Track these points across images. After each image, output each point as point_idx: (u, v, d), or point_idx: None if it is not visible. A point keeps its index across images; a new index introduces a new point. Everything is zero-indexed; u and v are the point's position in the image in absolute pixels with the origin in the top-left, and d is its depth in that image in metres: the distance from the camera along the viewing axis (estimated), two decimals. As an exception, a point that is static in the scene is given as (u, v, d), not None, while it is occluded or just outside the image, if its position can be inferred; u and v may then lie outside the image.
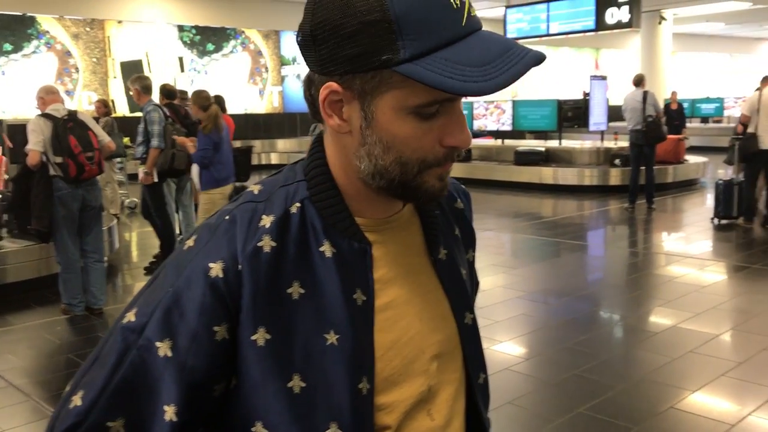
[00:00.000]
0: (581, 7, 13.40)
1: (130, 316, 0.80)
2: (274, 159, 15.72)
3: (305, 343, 0.80)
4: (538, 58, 0.73)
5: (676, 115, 13.82)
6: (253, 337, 0.79)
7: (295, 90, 17.63)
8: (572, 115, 12.54)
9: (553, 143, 12.50)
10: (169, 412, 0.77)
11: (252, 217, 0.82)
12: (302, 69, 16.13)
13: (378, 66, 0.73)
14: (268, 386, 0.79)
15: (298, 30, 0.81)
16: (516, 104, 13.21)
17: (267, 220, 0.81)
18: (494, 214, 9.22)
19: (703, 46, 25.01)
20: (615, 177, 10.89)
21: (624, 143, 11.87)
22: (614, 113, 13.43)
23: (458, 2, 0.74)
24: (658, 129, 8.64)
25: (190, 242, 0.83)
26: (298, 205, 0.83)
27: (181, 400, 0.77)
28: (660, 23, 17.12)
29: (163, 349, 0.77)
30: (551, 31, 14.06)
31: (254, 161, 14.99)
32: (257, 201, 0.84)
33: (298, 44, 0.82)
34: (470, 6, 0.76)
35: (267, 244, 0.80)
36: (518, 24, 14.45)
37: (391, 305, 0.86)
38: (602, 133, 12.29)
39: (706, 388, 3.57)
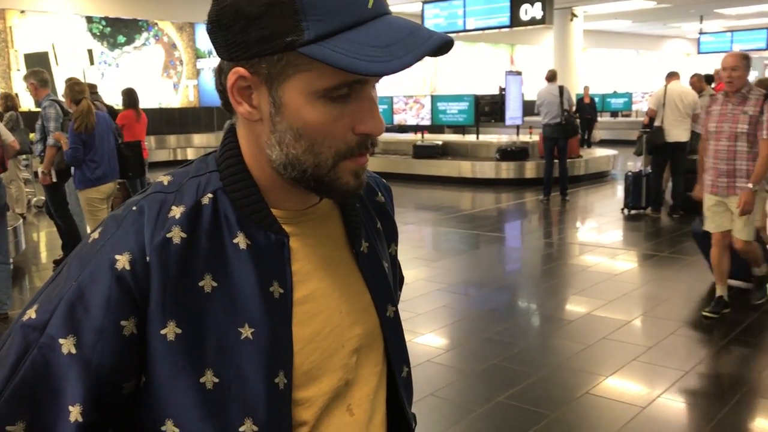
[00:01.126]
0: (496, 4, 13.65)
1: (31, 314, 0.75)
2: (191, 154, 15.34)
3: (219, 337, 0.77)
4: (444, 40, 0.72)
5: (588, 109, 14.32)
6: (163, 332, 0.75)
7: (212, 84, 17.14)
8: (489, 110, 12.79)
9: (470, 137, 12.72)
10: (74, 413, 0.73)
11: (161, 207, 0.78)
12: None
13: (283, 48, 0.72)
14: (178, 382, 0.76)
15: (207, 18, 0.79)
16: (434, 99, 13.35)
17: (177, 211, 0.78)
18: (414, 208, 9.31)
19: (611, 42, 25.99)
20: (505, 171, 11.19)
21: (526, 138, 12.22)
22: (529, 108, 13.78)
23: None
24: (574, 123, 8.92)
25: (95, 234, 0.78)
26: (210, 195, 0.80)
27: (87, 400, 0.73)
28: (571, 20, 17.67)
29: (67, 345, 0.73)
30: (468, 27, 14.26)
31: (169, 157, 14.78)
32: (166, 192, 0.80)
33: (208, 32, 0.80)
34: None
35: (177, 235, 0.77)
36: (436, 20, 14.60)
37: (309, 298, 0.84)
38: (518, 127, 12.59)
39: (619, 373, 3.71)
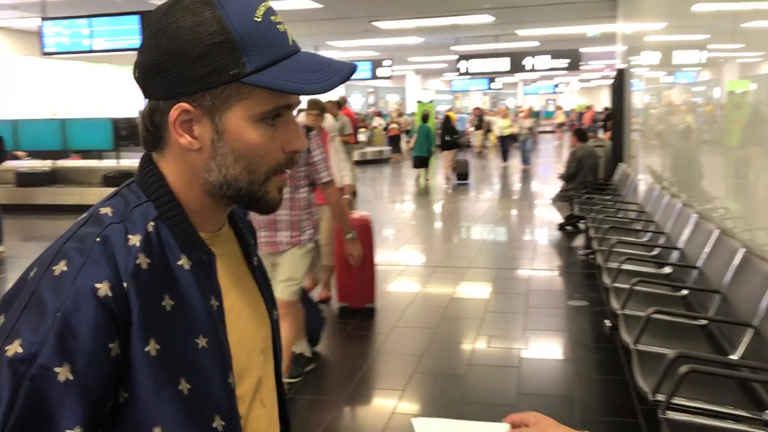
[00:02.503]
0: (125, 25, 13.29)
1: (15, 348, 0.76)
2: None
3: (183, 349, 0.87)
4: (354, 68, 0.92)
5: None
6: (147, 349, 0.82)
7: None
8: (127, 133, 12.40)
9: (110, 162, 12.17)
10: None
11: (123, 236, 0.85)
12: None
13: (227, 80, 0.85)
14: (163, 392, 0.84)
15: (135, 66, 0.89)
16: (66, 123, 12.45)
17: (135, 240, 0.86)
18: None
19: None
20: None
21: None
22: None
23: (282, 28, 0.90)
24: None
25: (61, 266, 0.81)
26: (152, 224, 0.89)
27: (86, 421, 0.78)
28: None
29: (64, 373, 0.77)
30: (95, 48, 13.60)
31: None
32: (115, 222, 0.87)
33: (137, 79, 0.89)
34: (289, 31, 0.92)
35: (143, 261, 0.85)
36: (57, 38, 13.57)
37: (231, 309, 0.97)
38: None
39: None
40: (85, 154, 13.34)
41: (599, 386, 4.08)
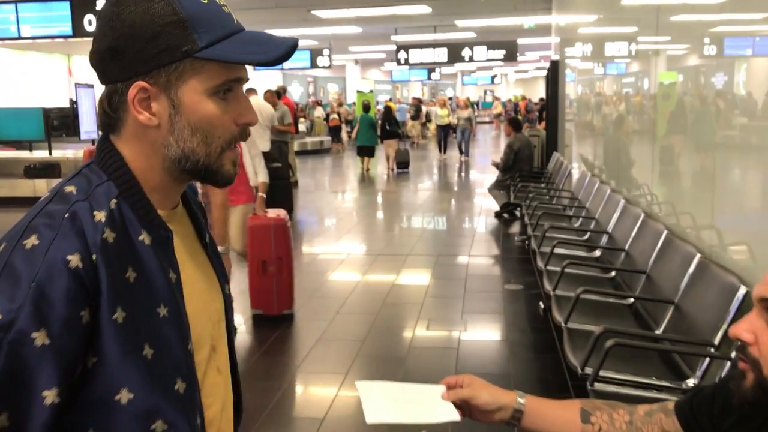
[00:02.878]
0: (56, 12, 12.89)
1: None
2: None
3: (146, 318, 0.93)
4: (296, 43, 0.99)
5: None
6: (114, 316, 0.89)
7: None
8: (59, 123, 12.07)
9: (41, 153, 11.82)
10: (50, 396, 0.83)
11: (89, 212, 0.91)
12: None
13: (181, 57, 0.92)
14: (128, 357, 0.90)
15: (91, 54, 0.95)
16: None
17: (100, 216, 0.91)
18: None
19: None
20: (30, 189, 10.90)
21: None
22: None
23: (227, 9, 0.98)
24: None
25: (32, 240, 0.87)
26: (115, 201, 0.95)
27: (62, 382, 0.84)
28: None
29: (40, 338, 0.82)
30: (23, 34, 13.15)
31: None
32: (81, 200, 0.92)
33: (94, 64, 0.96)
34: (233, 13, 0.99)
35: (109, 235, 0.91)
36: (-18, 24, 13.09)
37: (187, 282, 1.03)
38: (93, 141, 12.16)
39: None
40: (17, 144, 12.91)
41: (533, 364, 4.26)
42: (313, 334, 4.75)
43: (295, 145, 16.12)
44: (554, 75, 10.83)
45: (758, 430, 1.10)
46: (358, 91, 24.57)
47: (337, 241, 8.17)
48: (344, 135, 22.95)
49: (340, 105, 24.13)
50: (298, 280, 6.33)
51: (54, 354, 0.83)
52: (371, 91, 24.52)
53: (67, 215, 0.89)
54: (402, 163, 15.73)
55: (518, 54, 17.56)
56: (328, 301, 5.67)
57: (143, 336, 0.92)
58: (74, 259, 0.86)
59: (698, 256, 3.31)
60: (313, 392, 3.89)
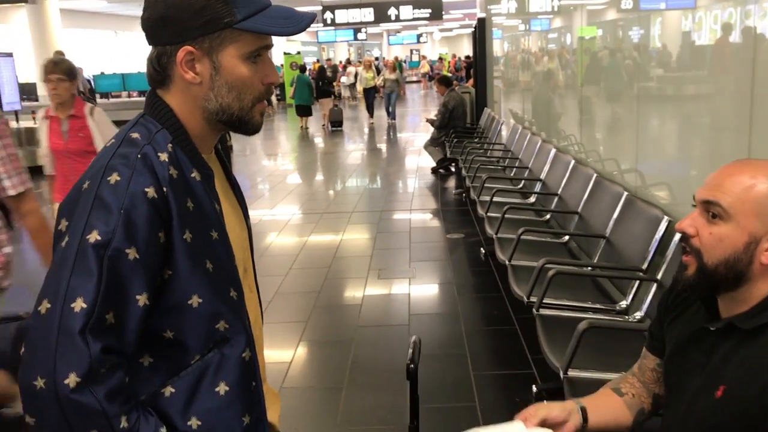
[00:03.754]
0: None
1: (95, 236, 1.02)
2: None
3: (205, 239, 1.15)
4: (314, 16, 1.22)
5: (87, 92, 14.15)
6: (184, 236, 1.10)
7: None
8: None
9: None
10: (142, 300, 1.05)
11: (155, 154, 1.11)
12: None
13: (222, 27, 1.13)
14: (196, 269, 1.12)
15: (143, 20, 1.15)
16: None
17: (164, 156, 1.12)
18: None
19: (90, 23, 25.51)
20: None
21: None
22: (29, 91, 12.97)
23: None
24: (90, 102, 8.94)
25: (114, 176, 1.06)
26: (170, 145, 1.15)
27: (149, 288, 1.06)
28: (47, -1, 16.90)
29: (132, 253, 1.04)
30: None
31: None
32: (147, 144, 1.12)
33: (147, 28, 1.15)
34: None
35: (173, 172, 1.12)
36: None
37: (225, 213, 1.25)
38: (17, 113, 11.81)
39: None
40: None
41: (480, 303, 4.60)
42: (270, 289, 4.96)
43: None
44: (481, 33, 11.13)
45: (694, 315, 1.39)
46: (285, 53, 24.35)
47: (280, 202, 8.32)
48: (273, 98, 22.77)
49: (268, 68, 23.84)
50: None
51: (143, 266, 1.05)
52: (298, 53, 24.33)
53: (139, 156, 1.10)
54: (335, 122, 16.39)
55: (443, 12, 17.78)
56: (279, 258, 5.87)
57: (205, 253, 1.14)
58: (150, 191, 1.07)
59: (626, 194, 3.68)
60: (278, 340, 4.12)
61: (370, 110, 18.17)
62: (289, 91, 18.39)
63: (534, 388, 3.30)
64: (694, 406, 1.31)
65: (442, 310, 4.55)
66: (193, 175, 1.16)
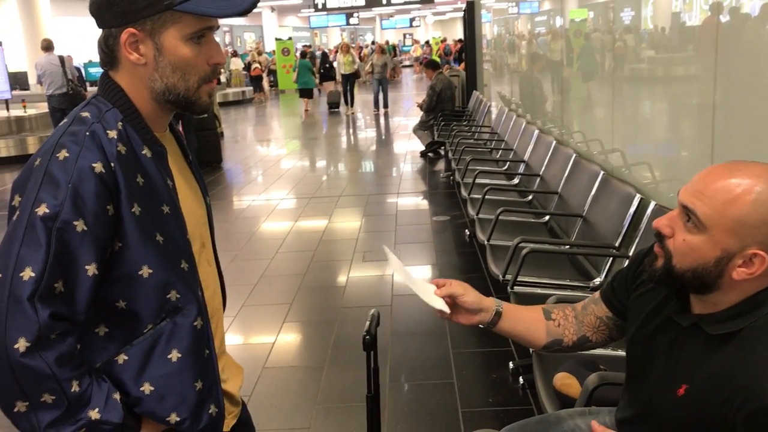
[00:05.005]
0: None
1: (43, 209, 1.07)
2: None
3: (154, 213, 1.20)
4: (257, 0, 1.25)
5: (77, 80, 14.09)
6: (133, 210, 1.15)
7: None
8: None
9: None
10: (91, 269, 1.10)
11: (104, 131, 1.16)
12: None
13: (163, 9, 1.17)
14: (146, 241, 1.17)
15: (92, 4, 1.20)
16: None
17: (112, 134, 1.17)
18: None
19: (81, 10, 25.35)
20: (33, 146, 10.73)
21: (33, 110, 11.73)
22: (20, 80, 12.93)
23: None
24: (81, 93, 8.96)
25: (63, 153, 1.11)
26: (120, 123, 1.20)
27: (98, 259, 1.11)
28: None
29: (80, 225, 1.08)
30: None
31: None
32: (96, 122, 1.17)
33: (93, 13, 1.19)
34: None
35: (122, 149, 1.16)
36: None
37: (179, 189, 1.30)
38: (7, 101, 11.79)
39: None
40: None
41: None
42: (256, 272, 5.01)
43: (218, 97, 16.03)
44: (470, 16, 11.13)
45: (664, 301, 1.37)
46: (276, 39, 24.27)
47: (270, 187, 8.36)
48: (266, 84, 22.73)
49: (260, 54, 23.81)
50: (235, 226, 6.55)
51: (90, 237, 1.10)
52: (290, 39, 24.25)
53: (87, 133, 1.14)
54: (332, 104, 16.92)
55: (435, -4, 17.74)
56: (266, 242, 5.92)
57: (155, 226, 1.19)
58: (98, 166, 1.11)
59: (602, 173, 3.73)
60: (263, 322, 4.18)
61: (348, 99, 16.37)
62: (291, 76, 19.51)
63: (510, 365, 3.38)
64: (655, 399, 1.32)
65: (425, 290, 4.60)
66: (144, 152, 1.21)
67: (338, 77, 22.82)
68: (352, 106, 16.46)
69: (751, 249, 1.17)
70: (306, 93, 16.95)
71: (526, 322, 1.59)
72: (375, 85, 16.11)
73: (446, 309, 1.49)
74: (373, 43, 26.87)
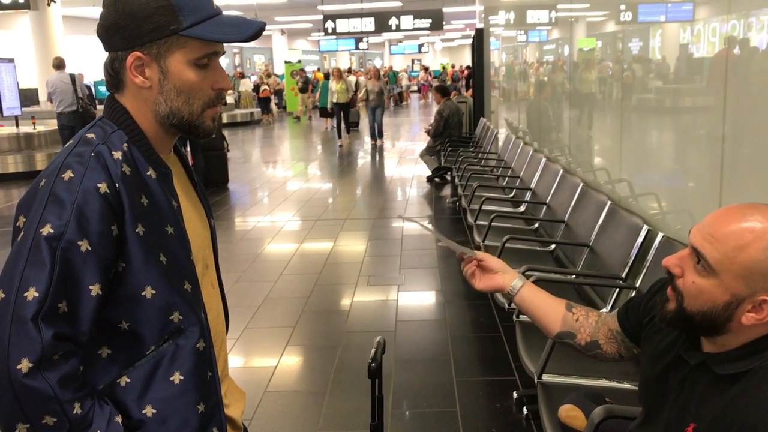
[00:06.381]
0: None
1: (48, 229, 1.07)
2: None
3: (158, 233, 1.20)
4: (263, 25, 1.26)
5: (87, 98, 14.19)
6: (137, 230, 1.15)
7: None
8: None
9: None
10: (95, 290, 1.09)
11: (109, 152, 1.16)
12: None
13: (169, 33, 1.18)
14: (149, 262, 1.16)
15: (98, 27, 1.20)
16: None
17: (117, 155, 1.17)
18: None
19: (91, 29, 25.63)
20: (41, 162, 10.79)
21: (42, 127, 11.80)
22: (31, 97, 13.03)
23: None
24: (91, 111, 9.03)
25: (68, 174, 1.11)
26: (126, 144, 1.20)
27: (102, 279, 1.10)
28: (49, 5, 17.00)
29: (84, 245, 1.08)
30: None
31: None
32: (100, 143, 1.17)
33: (101, 36, 1.20)
34: None
35: (126, 169, 1.16)
36: None
37: (184, 210, 1.30)
38: (17, 118, 11.87)
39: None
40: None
41: (467, 310, 4.63)
42: (260, 294, 4.99)
43: (224, 118, 16.12)
44: (479, 43, 11.21)
45: (676, 338, 1.37)
46: (286, 62, 24.47)
47: (276, 208, 8.37)
48: (273, 106, 22.86)
49: (269, 76, 23.98)
50: (240, 247, 6.54)
51: (95, 257, 1.09)
52: (299, 62, 24.45)
53: (92, 154, 1.14)
54: (353, 123, 17.43)
55: (444, 23, 17.88)
56: (270, 264, 5.91)
57: (158, 246, 1.19)
58: (103, 187, 1.11)
59: (609, 203, 3.72)
60: (265, 345, 4.15)
61: (341, 130, 15.40)
62: (296, 100, 21.83)
63: (515, 394, 3.34)
64: None
65: (429, 316, 4.58)
66: (149, 173, 1.21)
67: (306, 105, 21.78)
68: (340, 137, 15.39)
69: (760, 295, 1.16)
70: (327, 112, 17.74)
71: (547, 304, 1.62)
72: (370, 116, 14.74)
73: (474, 253, 1.61)
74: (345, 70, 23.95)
